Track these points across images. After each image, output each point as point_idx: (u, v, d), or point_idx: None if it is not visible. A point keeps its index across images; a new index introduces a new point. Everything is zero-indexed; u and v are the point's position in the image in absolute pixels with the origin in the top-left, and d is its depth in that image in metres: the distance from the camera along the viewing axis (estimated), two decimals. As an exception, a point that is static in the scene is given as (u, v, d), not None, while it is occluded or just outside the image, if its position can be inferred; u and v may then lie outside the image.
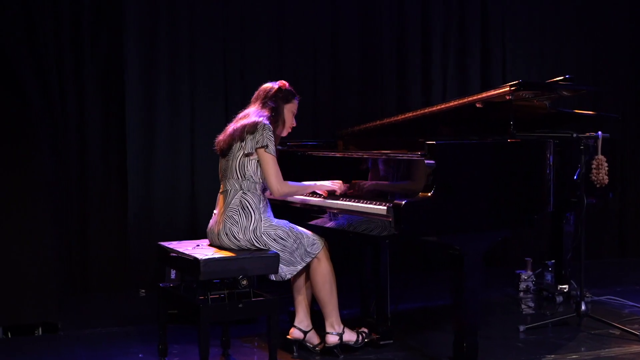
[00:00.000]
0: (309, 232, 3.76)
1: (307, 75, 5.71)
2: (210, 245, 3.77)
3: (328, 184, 3.90)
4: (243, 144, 3.66)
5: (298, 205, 3.98)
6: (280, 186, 3.67)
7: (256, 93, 3.86)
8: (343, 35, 5.84)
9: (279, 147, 4.04)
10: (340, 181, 3.91)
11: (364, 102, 5.90)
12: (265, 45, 5.60)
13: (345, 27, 5.83)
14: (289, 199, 3.99)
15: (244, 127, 3.67)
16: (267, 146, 3.62)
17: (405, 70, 5.99)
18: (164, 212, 5.34)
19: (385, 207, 3.42)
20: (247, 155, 3.65)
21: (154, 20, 5.28)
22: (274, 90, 3.81)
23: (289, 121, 3.84)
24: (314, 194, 3.95)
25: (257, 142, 3.63)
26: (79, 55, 5.16)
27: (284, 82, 3.86)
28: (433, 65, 6.03)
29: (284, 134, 3.86)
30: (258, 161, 3.66)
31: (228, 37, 5.50)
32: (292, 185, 3.77)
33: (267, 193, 3.78)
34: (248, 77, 5.43)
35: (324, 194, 3.92)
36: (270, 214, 3.72)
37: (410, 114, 4.25)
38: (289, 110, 3.84)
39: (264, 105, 3.78)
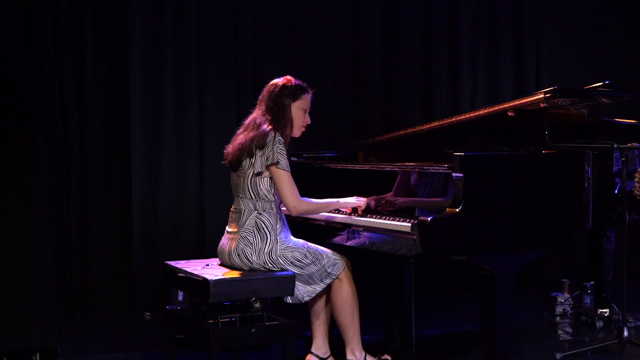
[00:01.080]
0: (329, 251, 3.75)
1: (325, 81, 5.72)
2: (221, 265, 3.78)
3: (352, 201, 3.87)
4: (252, 160, 3.63)
5: (322, 223, 3.98)
6: (297, 204, 3.65)
7: (262, 94, 3.81)
8: (363, 39, 5.85)
9: (294, 159, 4.04)
10: (365, 198, 3.89)
11: (386, 110, 5.90)
12: (280, 49, 5.62)
13: (365, 30, 5.85)
14: (311, 216, 4.00)
15: (252, 140, 3.63)
16: (278, 162, 3.60)
17: (431, 76, 5.99)
18: (171, 228, 5.35)
19: (409, 224, 3.41)
20: (258, 174, 3.65)
21: (160, 23, 5.32)
22: (278, 88, 3.74)
23: (300, 120, 3.76)
24: (336, 210, 3.95)
25: (267, 158, 3.60)
26: (81, 60, 5.19)
27: (289, 77, 3.78)
28: (461, 71, 6.03)
29: (297, 134, 3.78)
30: (271, 178, 3.66)
31: (240, 41, 5.52)
32: (311, 202, 3.75)
33: (285, 209, 3.78)
34: (261, 82, 5.39)
35: (347, 211, 3.92)
36: (287, 233, 3.72)
37: (437, 124, 4.25)
38: (299, 108, 3.75)
39: (268, 108, 3.72)
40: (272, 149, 3.59)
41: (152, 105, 5.32)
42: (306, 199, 3.72)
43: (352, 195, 3.93)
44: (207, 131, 5.43)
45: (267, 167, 3.61)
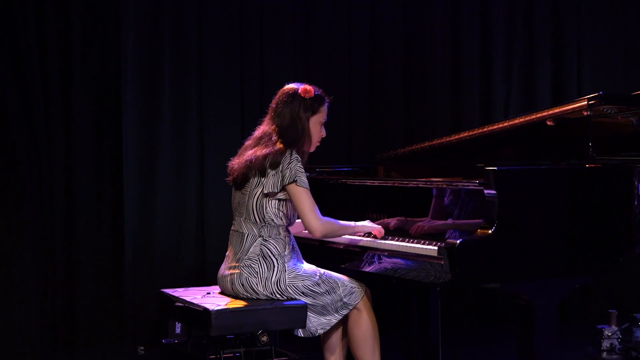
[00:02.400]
0: (345, 278, 3.74)
1: (340, 87, 5.73)
2: (223, 293, 3.78)
3: (369, 225, 3.88)
4: (263, 180, 3.64)
5: (339, 247, 3.98)
6: (321, 225, 3.64)
7: (273, 102, 3.79)
8: (383, 40, 5.87)
9: (307, 174, 4.03)
10: (380, 226, 3.89)
11: (409, 120, 5.91)
12: (290, 52, 5.63)
13: (385, 30, 5.86)
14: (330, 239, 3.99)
15: (265, 157, 3.63)
16: (297, 180, 3.60)
17: (459, 81, 6.00)
18: (168, 252, 5.36)
19: (435, 248, 3.40)
20: (267, 195, 3.64)
21: (156, 21, 5.33)
22: (295, 100, 3.72)
23: (317, 135, 3.78)
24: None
25: (284, 177, 3.60)
26: (67, 64, 5.21)
27: (307, 86, 3.77)
28: (493, 75, 6.04)
29: (312, 149, 3.81)
30: (280, 200, 3.65)
31: (245, 42, 5.54)
32: (334, 223, 3.73)
33: (299, 229, 3.77)
34: (268, 90, 5.44)
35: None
36: (297, 260, 3.71)
37: (466, 134, 4.25)
38: (316, 122, 3.77)
39: (283, 122, 3.70)
40: (289, 167, 3.59)
41: (146, 116, 5.33)
42: (328, 218, 3.71)
43: (372, 215, 3.92)
44: (208, 145, 5.45)
45: (284, 187, 3.61)
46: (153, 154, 5.34)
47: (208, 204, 5.43)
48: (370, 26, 5.84)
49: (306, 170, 4.59)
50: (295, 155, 3.63)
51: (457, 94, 6.01)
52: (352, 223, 3.84)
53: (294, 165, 3.60)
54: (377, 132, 5.83)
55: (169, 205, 5.37)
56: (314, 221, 3.63)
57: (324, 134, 3.82)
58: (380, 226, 3.89)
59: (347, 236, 3.92)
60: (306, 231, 3.74)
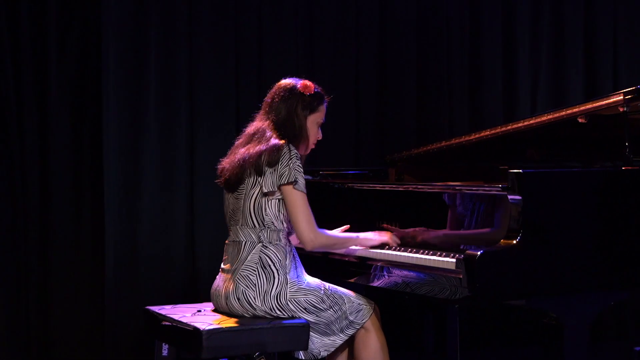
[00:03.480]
0: (351, 294, 3.74)
1: (346, 81, 5.73)
2: (216, 311, 3.77)
3: (373, 237, 3.89)
4: (260, 179, 3.64)
5: (343, 259, 3.99)
6: (315, 236, 3.65)
7: (268, 96, 3.83)
8: (394, 28, 5.86)
9: (307, 178, 4.04)
10: (389, 233, 3.89)
11: (423, 117, 5.90)
12: (291, 44, 5.63)
13: (397, 19, 5.86)
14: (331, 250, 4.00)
15: (259, 154, 3.63)
16: (296, 181, 3.61)
17: (479, 73, 5.99)
18: (154, 265, 5.35)
19: (454, 260, 3.41)
20: (266, 194, 3.64)
21: (141, 11, 5.33)
22: (294, 95, 3.77)
23: (314, 135, 3.82)
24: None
25: (282, 176, 3.60)
26: (43, 55, 5.22)
27: (306, 82, 3.82)
28: (518, 67, 6.02)
29: (306, 151, 3.84)
30: (280, 199, 3.65)
31: (240, 32, 5.54)
32: (330, 235, 3.75)
33: (294, 240, 3.77)
34: (266, 86, 5.36)
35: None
36: (299, 271, 3.71)
37: (488, 132, 4.25)
38: (314, 122, 3.81)
39: (279, 118, 3.74)
40: (289, 165, 3.59)
41: (130, 114, 5.32)
42: (323, 230, 3.72)
43: (383, 224, 3.91)
44: (199, 145, 5.44)
45: (280, 187, 3.61)
46: (137, 155, 5.33)
47: (199, 210, 5.42)
48: (380, 12, 5.84)
49: (308, 173, 4.61)
50: (294, 151, 3.63)
51: (477, 88, 6.00)
52: (353, 235, 3.85)
53: (293, 164, 3.60)
54: (387, 130, 5.82)
55: (155, 211, 5.36)
56: (308, 233, 3.63)
57: (320, 136, 3.85)
58: (389, 234, 3.88)
59: (353, 247, 3.93)
60: None
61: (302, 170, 3.63)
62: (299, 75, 3.98)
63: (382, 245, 3.90)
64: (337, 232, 3.91)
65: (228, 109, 5.49)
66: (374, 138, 5.79)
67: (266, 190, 3.63)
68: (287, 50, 5.62)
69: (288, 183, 3.60)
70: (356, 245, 3.90)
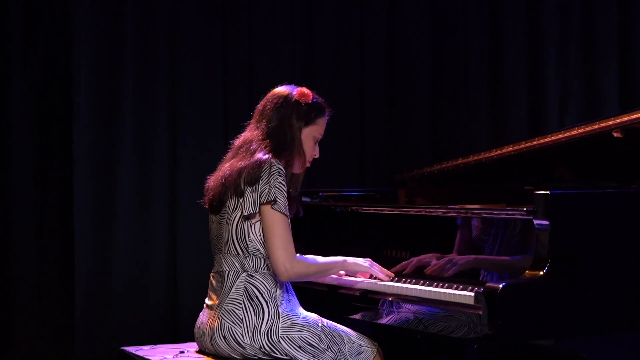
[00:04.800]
0: (352, 333, 3.73)
1: (350, 91, 5.76)
2: (201, 352, 3.76)
3: (363, 263, 3.87)
4: (241, 200, 3.63)
5: (349, 292, 3.97)
6: (290, 265, 3.60)
7: (261, 103, 3.81)
8: (404, 35, 5.89)
9: (306, 200, 4.04)
10: (380, 267, 3.90)
11: (437, 131, 5.92)
12: (287, 48, 5.66)
13: (407, 21, 5.89)
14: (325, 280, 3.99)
15: (239, 172, 3.62)
16: (275, 201, 3.60)
17: (502, 81, 6.01)
18: (130, 298, 5.35)
19: (472, 294, 3.40)
20: (248, 217, 3.63)
21: (117, 9, 5.35)
22: (288, 103, 3.75)
23: (310, 151, 3.80)
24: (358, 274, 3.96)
25: (262, 194, 3.58)
26: (4, 58, 5.23)
27: (304, 89, 3.80)
28: (545, 74, 6.05)
29: (299, 170, 3.79)
30: (265, 223, 3.66)
31: (229, 35, 5.56)
32: (309, 263, 3.73)
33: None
34: (258, 96, 5.36)
35: (363, 276, 3.92)
36: (292, 303, 3.69)
37: (510, 148, 4.26)
38: (309, 136, 3.78)
39: (270, 128, 3.73)
40: (269, 182, 3.57)
41: (104, 123, 5.33)
42: (303, 257, 3.71)
43: (391, 252, 3.91)
44: (182, 162, 5.45)
45: (260, 206, 3.60)
46: (111, 172, 5.34)
47: (182, 234, 5.43)
48: (388, 12, 5.86)
49: (306, 194, 4.60)
50: (277, 166, 3.60)
51: (499, 98, 6.02)
52: (339, 259, 3.84)
53: (274, 181, 3.58)
54: (396, 146, 5.84)
55: (132, 236, 5.36)
56: (283, 261, 3.59)
57: (317, 153, 3.83)
58: (379, 268, 3.89)
59: (352, 278, 3.94)
60: None
61: (284, 188, 3.60)
62: (295, 83, 3.98)
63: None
64: (321, 258, 3.86)
65: (215, 120, 5.49)
66: (381, 155, 5.81)
67: (247, 213, 3.61)
68: (282, 56, 5.64)
69: (267, 202, 3.58)
70: (343, 271, 3.91)
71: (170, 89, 5.45)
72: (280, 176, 3.59)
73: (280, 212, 3.58)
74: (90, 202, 5.29)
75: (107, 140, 5.33)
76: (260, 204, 3.58)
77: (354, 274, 3.96)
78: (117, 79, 5.35)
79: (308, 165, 3.83)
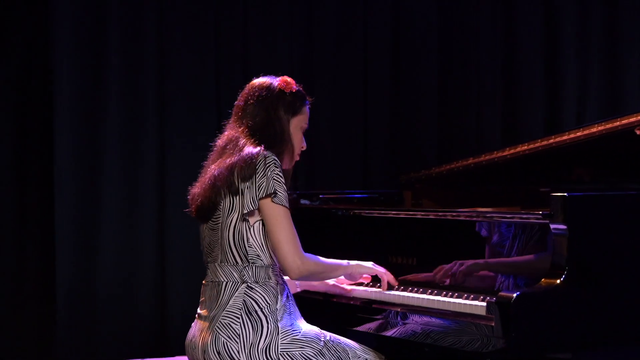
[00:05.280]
0: (357, 346, 3.72)
1: (352, 85, 5.77)
2: (191, 366, 3.74)
3: (368, 266, 3.88)
4: (237, 199, 3.59)
5: (352, 302, 3.97)
6: (301, 260, 3.58)
7: (240, 98, 3.77)
8: (411, 21, 5.89)
9: (305, 202, 4.02)
10: (385, 270, 3.89)
11: (446, 128, 5.94)
12: (285, 39, 5.66)
13: (414, 8, 5.89)
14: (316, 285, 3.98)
15: (230, 168, 3.58)
16: (275, 193, 3.56)
17: (515, 75, 6.02)
18: (114, 311, 5.35)
19: (484, 304, 3.40)
20: (246, 218, 3.59)
21: (101, 2, 5.35)
22: (272, 94, 3.72)
23: (298, 143, 3.77)
24: (359, 283, 3.97)
25: (260, 188, 3.55)
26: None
27: (286, 78, 3.77)
28: (562, 67, 6.05)
29: (290, 165, 3.77)
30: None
31: (222, 26, 5.56)
32: (320, 261, 3.71)
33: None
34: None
35: (365, 281, 3.93)
36: (293, 317, 3.67)
37: (525, 147, 4.25)
38: (298, 127, 3.75)
39: (255, 122, 3.69)
40: (266, 174, 3.54)
41: (87, 126, 5.35)
42: (310, 255, 3.67)
43: (397, 259, 3.90)
44: (170, 165, 5.47)
45: (259, 201, 3.56)
46: (95, 177, 5.35)
47: (171, 242, 5.44)
48: (392, 1, 5.87)
49: (305, 197, 4.59)
50: (271, 157, 3.57)
51: (512, 93, 6.03)
52: (343, 262, 3.84)
53: (271, 172, 3.54)
54: (402, 145, 5.85)
55: (117, 244, 5.37)
56: (293, 256, 3.56)
57: (304, 145, 3.81)
58: (384, 269, 3.90)
59: (360, 288, 3.94)
60: (304, 288, 3.73)
61: (282, 180, 3.57)
62: (294, 78, 3.96)
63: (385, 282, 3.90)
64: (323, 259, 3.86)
65: (206, 119, 5.49)
66: (386, 154, 5.81)
67: (246, 210, 3.57)
68: (279, 49, 5.64)
69: (266, 196, 3.55)
70: (346, 274, 3.90)
71: (158, 86, 5.46)
72: (277, 167, 3.57)
73: (282, 205, 3.55)
74: (72, 206, 5.29)
75: (91, 139, 5.35)
76: (259, 199, 3.55)
77: (358, 278, 3.97)
78: (101, 74, 5.36)
79: (297, 158, 3.81)
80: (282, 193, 3.54)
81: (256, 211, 3.58)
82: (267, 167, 3.54)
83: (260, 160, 3.55)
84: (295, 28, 5.67)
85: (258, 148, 3.60)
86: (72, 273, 5.28)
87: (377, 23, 5.83)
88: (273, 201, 3.54)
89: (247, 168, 3.55)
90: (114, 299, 5.35)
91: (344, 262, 3.84)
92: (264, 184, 3.54)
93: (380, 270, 3.91)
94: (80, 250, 5.31)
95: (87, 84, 5.32)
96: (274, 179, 3.54)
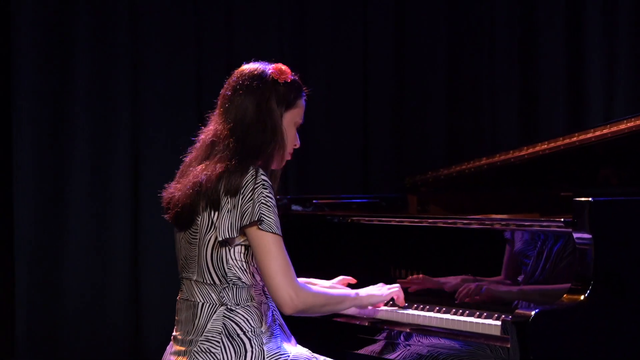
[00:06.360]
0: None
1: (352, 75, 5.79)
2: (167, 394, 3.74)
3: (379, 292, 3.85)
4: (215, 217, 3.57)
5: (351, 321, 3.97)
6: (295, 293, 3.53)
7: (227, 87, 3.70)
8: (415, 11, 5.94)
9: (296, 209, 3.99)
10: (399, 287, 3.88)
11: (456, 125, 5.96)
12: (274, 30, 5.69)
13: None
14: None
15: (219, 177, 3.55)
16: (261, 220, 3.52)
17: (534, 67, 6.02)
18: (82, 328, 5.36)
19: (498, 323, 3.40)
20: (225, 244, 3.57)
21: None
22: (263, 84, 3.66)
23: (291, 141, 3.72)
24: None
25: (244, 215, 3.51)
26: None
27: (280, 66, 3.68)
28: (587, 58, 6.05)
29: (280, 165, 3.72)
30: (248, 246, 3.58)
31: (202, 13, 5.58)
32: (319, 293, 3.66)
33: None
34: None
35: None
36: (282, 338, 3.66)
37: (545, 146, 4.26)
38: (292, 122, 3.70)
39: (242, 117, 3.62)
40: (252, 197, 3.50)
41: (50, 122, 5.36)
42: (307, 286, 3.65)
43: (400, 271, 3.91)
44: (146, 164, 5.49)
45: (242, 230, 3.54)
46: (61, 178, 5.36)
47: (147, 252, 5.46)
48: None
49: (297, 202, 4.58)
50: (262, 177, 3.51)
51: (530, 84, 6.04)
52: (351, 292, 3.80)
53: (258, 195, 3.49)
54: (406, 144, 5.87)
55: (85, 254, 5.38)
56: (286, 288, 3.51)
57: (297, 143, 3.75)
58: (398, 286, 3.87)
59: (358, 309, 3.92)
60: None
61: (272, 202, 3.50)
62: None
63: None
64: (326, 288, 3.83)
65: (186, 116, 5.52)
66: (388, 155, 5.84)
67: (222, 238, 3.54)
68: (268, 39, 5.67)
69: (251, 223, 3.51)
70: (356, 306, 3.87)
71: (132, 79, 5.49)
72: (266, 188, 3.51)
73: (271, 232, 3.49)
74: (34, 213, 5.31)
75: (55, 138, 5.37)
76: (243, 227, 3.52)
77: (369, 308, 3.94)
78: (67, 66, 5.38)
79: (289, 157, 3.77)
80: (271, 218, 3.47)
81: (235, 239, 3.54)
82: (255, 189, 3.48)
83: (247, 179, 3.50)
84: (286, 12, 5.68)
85: (250, 160, 3.56)
86: (34, 289, 5.29)
87: (379, 9, 5.84)
88: (260, 228, 3.49)
89: (234, 182, 3.49)
90: (81, 317, 5.36)
91: (352, 292, 3.79)
92: (249, 210, 3.47)
93: (395, 292, 3.87)
94: (44, 264, 5.32)
95: (50, 76, 5.35)
96: (261, 202, 3.47)
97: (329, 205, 4.67)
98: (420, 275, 4.00)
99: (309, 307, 3.59)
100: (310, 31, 5.74)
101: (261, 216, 3.46)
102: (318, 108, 5.54)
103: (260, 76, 3.66)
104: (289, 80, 3.67)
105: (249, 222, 3.45)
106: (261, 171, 3.51)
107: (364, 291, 3.80)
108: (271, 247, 3.49)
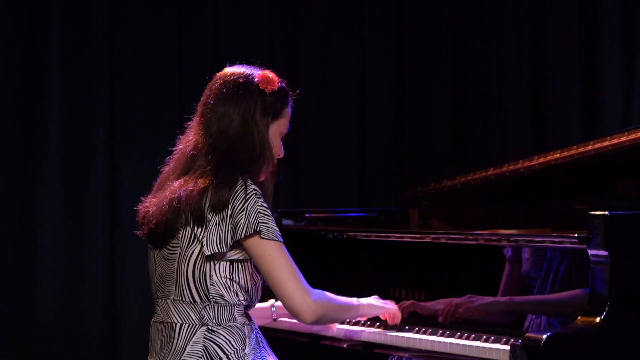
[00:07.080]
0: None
1: (347, 78, 5.80)
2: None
3: (378, 305, 3.87)
4: (201, 232, 3.56)
5: (343, 345, 3.97)
6: (310, 297, 3.57)
7: (208, 94, 3.67)
8: (417, 10, 5.95)
9: (288, 223, 3.99)
10: (395, 307, 3.90)
11: (460, 133, 5.97)
12: (263, 31, 5.71)
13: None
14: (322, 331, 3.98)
15: (202, 192, 3.55)
16: (260, 230, 3.53)
17: (545, 71, 6.04)
18: (54, 352, 5.36)
19: (507, 347, 3.39)
20: (212, 258, 3.57)
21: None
22: (250, 95, 3.65)
23: (276, 151, 3.71)
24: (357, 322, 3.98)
25: (238, 227, 3.53)
26: None
27: (267, 73, 3.67)
28: (603, 64, 6.07)
29: (266, 175, 3.70)
30: (234, 262, 3.58)
31: (185, 11, 5.59)
32: (332, 300, 3.69)
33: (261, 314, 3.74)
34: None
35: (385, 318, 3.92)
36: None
37: (558, 155, 4.25)
38: (277, 133, 3.69)
39: (225, 128, 3.62)
40: (245, 207, 3.50)
41: (22, 129, 5.38)
42: (319, 291, 3.65)
43: (400, 291, 3.94)
44: (123, 175, 5.51)
45: (237, 243, 3.54)
46: (30, 183, 5.38)
47: (123, 272, 5.47)
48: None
49: (288, 216, 4.59)
50: (252, 187, 3.53)
51: (541, 90, 6.05)
52: (353, 301, 3.81)
53: (252, 205, 3.50)
54: (407, 153, 5.88)
55: (58, 275, 5.39)
56: (303, 296, 3.53)
57: (281, 153, 3.75)
58: (394, 306, 3.88)
59: (344, 327, 3.95)
60: (282, 317, 3.74)
61: (268, 210, 3.54)
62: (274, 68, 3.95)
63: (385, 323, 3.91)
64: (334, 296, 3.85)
65: (167, 123, 5.52)
66: (388, 166, 5.85)
67: (210, 253, 3.54)
68: (257, 40, 5.69)
69: (251, 234, 3.52)
70: (359, 315, 3.88)
71: (108, 84, 5.50)
72: (260, 197, 3.52)
73: (273, 239, 3.51)
74: (6, 226, 5.34)
75: (26, 144, 5.38)
76: (239, 239, 3.51)
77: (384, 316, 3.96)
78: (40, 72, 5.40)
79: (274, 169, 3.76)
80: (270, 225, 3.49)
81: (225, 254, 3.54)
82: (247, 200, 3.48)
83: (237, 191, 3.49)
84: (276, 10, 5.68)
85: (236, 171, 3.55)
86: (4, 310, 5.31)
87: (378, 7, 5.85)
88: (262, 237, 3.50)
89: (221, 196, 3.49)
90: (54, 339, 5.37)
91: (354, 300, 3.81)
92: (243, 221, 3.48)
93: (392, 308, 3.89)
94: (17, 284, 5.35)
95: (20, 78, 5.36)
96: (257, 211, 3.48)
97: (323, 219, 4.67)
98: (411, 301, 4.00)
99: (326, 312, 3.63)
100: (302, 31, 5.75)
101: (260, 225, 3.48)
102: (311, 113, 5.55)
103: (246, 85, 3.62)
104: (276, 87, 3.65)
105: (246, 234, 3.46)
106: (250, 182, 3.51)
107: (365, 301, 3.84)
108: (276, 255, 3.51)
